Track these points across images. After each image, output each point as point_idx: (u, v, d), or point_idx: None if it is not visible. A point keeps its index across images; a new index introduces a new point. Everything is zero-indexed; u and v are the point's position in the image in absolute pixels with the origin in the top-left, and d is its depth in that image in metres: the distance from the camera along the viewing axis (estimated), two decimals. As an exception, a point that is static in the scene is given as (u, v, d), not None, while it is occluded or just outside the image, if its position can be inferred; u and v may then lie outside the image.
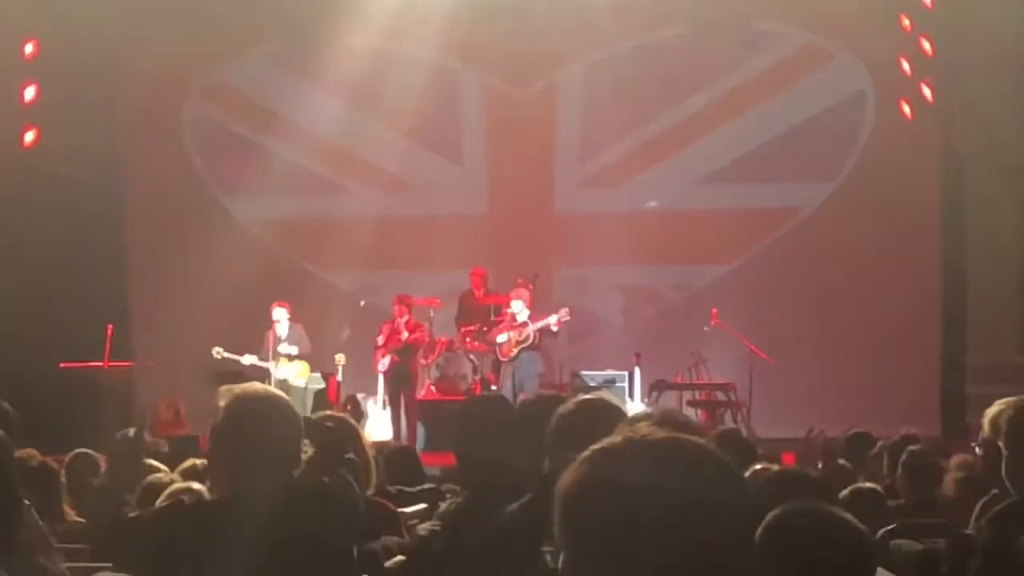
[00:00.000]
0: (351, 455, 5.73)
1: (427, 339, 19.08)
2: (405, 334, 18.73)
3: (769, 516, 3.60)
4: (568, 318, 18.53)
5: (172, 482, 7.09)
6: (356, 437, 5.94)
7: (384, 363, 18.76)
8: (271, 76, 21.41)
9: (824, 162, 21.05)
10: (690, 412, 17.47)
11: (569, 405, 4.45)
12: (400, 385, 18.77)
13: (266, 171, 21.35)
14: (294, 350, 18.75)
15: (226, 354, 18.66)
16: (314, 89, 21.22)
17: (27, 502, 4.66)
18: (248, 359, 18.64)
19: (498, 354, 18.82)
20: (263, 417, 4.78)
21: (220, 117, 21.45)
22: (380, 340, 18.83)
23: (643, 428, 2.45)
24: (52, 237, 20.38)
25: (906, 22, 17.80)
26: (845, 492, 7.13)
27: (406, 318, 18.83)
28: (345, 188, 21.84)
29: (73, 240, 20.63)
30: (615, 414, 4.27)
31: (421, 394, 19.33)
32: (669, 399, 18.79)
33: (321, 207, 21.78)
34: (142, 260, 21.91)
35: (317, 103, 21.28)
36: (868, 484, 7.58)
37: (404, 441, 17.38)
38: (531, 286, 19.34)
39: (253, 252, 21.38)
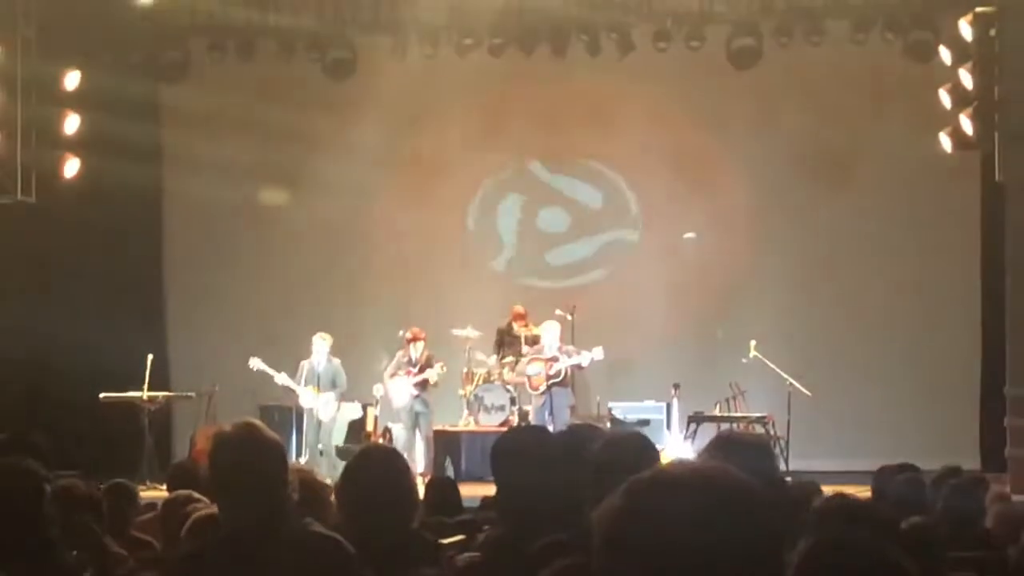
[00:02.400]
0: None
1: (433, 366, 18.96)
2: (416, 367, 18.79)
3: (803, 546, 3.60)
4: (601, 357, 18.49)
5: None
6: (405, 467, 5.94)
7: (401, 395, 18.76)
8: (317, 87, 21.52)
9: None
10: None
11: (611, 439, 4.49)
12: (419, 417, 18.80)
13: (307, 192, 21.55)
14: (331, 396, 18.60)
15: (262, 366, 18.66)
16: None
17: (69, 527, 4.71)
18: (282, 378, 18.61)
19: (528, 386, 18.87)
20: (240, 456, 4.83)
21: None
22: (392, 371, 18.93)
23: (685, 461, 2.47)
24: (92, 268, 20.53)
25: (946, 55, 17.75)
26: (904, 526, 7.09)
27: (421, 350, 18.86)
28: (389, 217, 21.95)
29: (112, 270, 20.77)
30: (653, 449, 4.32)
31: (442, 426, 19.38)
32: (707, 432, 18.74)
33: (364, 234, 21.89)
34: (181, 289, 22.03)
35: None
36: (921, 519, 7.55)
37: (421, 471, 17.41)
38: (569, 317, 19.38)
39: (293, 283, 21.48)
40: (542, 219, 22.12)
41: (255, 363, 18.67)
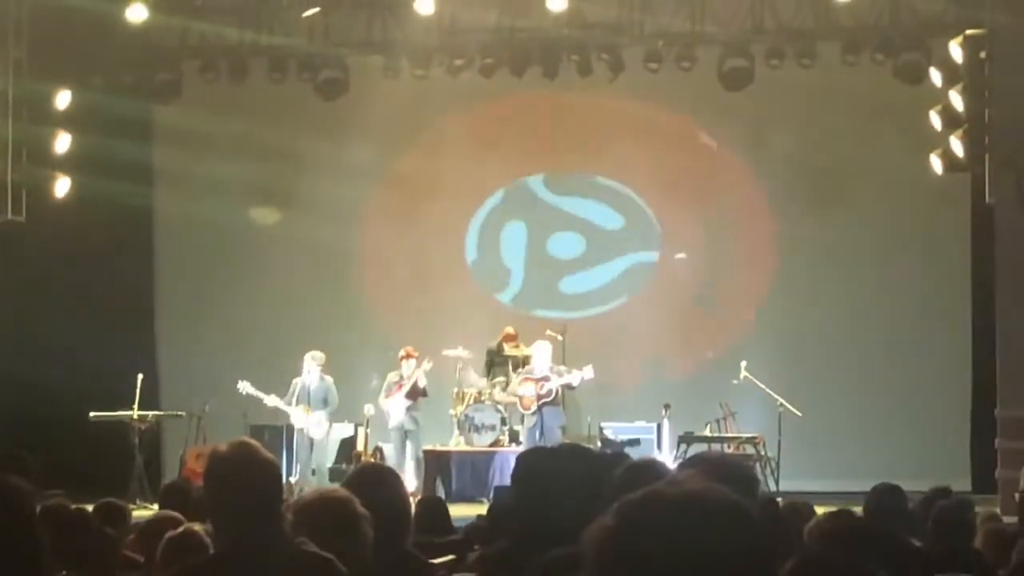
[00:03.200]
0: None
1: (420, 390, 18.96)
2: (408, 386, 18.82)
3: (789, 565, 3.60)
4: (591, 376, 18.50)
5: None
6: (401, 487, 5.93)
7: (396, 413, 18.77)
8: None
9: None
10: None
11: (632, 465, 4.53)
12: (409, 437, 18.81)
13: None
14: (322, 415, 18.58)
15: (251, 390, 18.64)
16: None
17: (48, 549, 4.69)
18: (272, 400, 18.59)
19: (519, 406, 18.89)
20: (236, 475, 4.85)
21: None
22: (385, 392, 18.95)
23: (677, 480, 2.46)
24: (82, 287, 20.51)
25: (937, 77, 17.81)
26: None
27: (412, 368, 18.89)
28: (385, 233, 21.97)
29: (103, 290, 20.75)
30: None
31: (432, 445, 19.38)
32: (696, 452, 18.75)
33: (358, 251, 21.91)
34: (172, 308, 22.02)
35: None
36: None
37: (412, 490, 17.38)
38: (560, 337, 19.39)
39: (285, 303, 21.47)
40: (551, 244, 22.08)
41: (244, 387, 18.64)
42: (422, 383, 18.86)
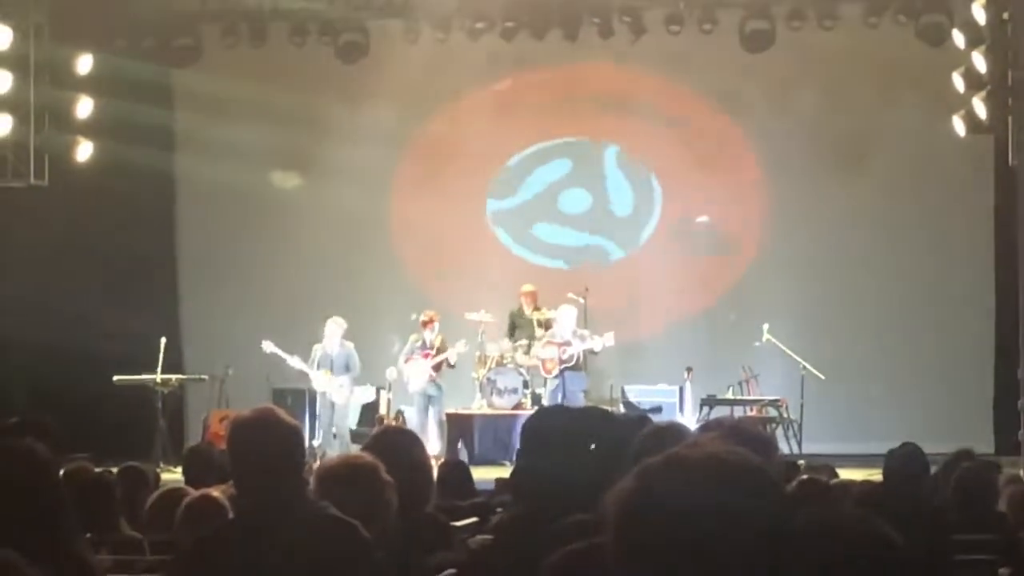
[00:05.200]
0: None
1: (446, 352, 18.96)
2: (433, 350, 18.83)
3: (799, 525, 3.59)
4: (612, 343, 18.54)
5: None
6: (422, 450, 5.95)
7: (418, 378, 18.78)
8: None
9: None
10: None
11: (654, 430, 4.52)
12: (431, 401, 18.83)
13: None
14: (345, 380, 18.60)
15: (274, 348, 18.67)
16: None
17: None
18: (295, 361, 18.61)
19: (541, 370, 18.92)
20: (258, 440, 4.91)
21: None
22: (407, 355, 18.96)
23: (699, 443, 2.46)
24: (105, 252, 20.55)
25: (959, 38, 17.70)
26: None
27: (436, 333, 18.90)
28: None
29: (125, 254, 20.79)
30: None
31: (455, 409, 19.41)
32: (719, 415, 18.74)
33: (379, 216, 21.91)
34: (194, 273, 22.03)
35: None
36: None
37: (435, 453, 17.43)
38: (581, 300, 19.37)
39: (307, 265, 21.46)
40: (563, 201, 22.04)
41: (267, 346, 18.70)
42: (452, 360, 18.87)
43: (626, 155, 21.88)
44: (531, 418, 5.27)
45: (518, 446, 5.51)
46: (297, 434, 5.04)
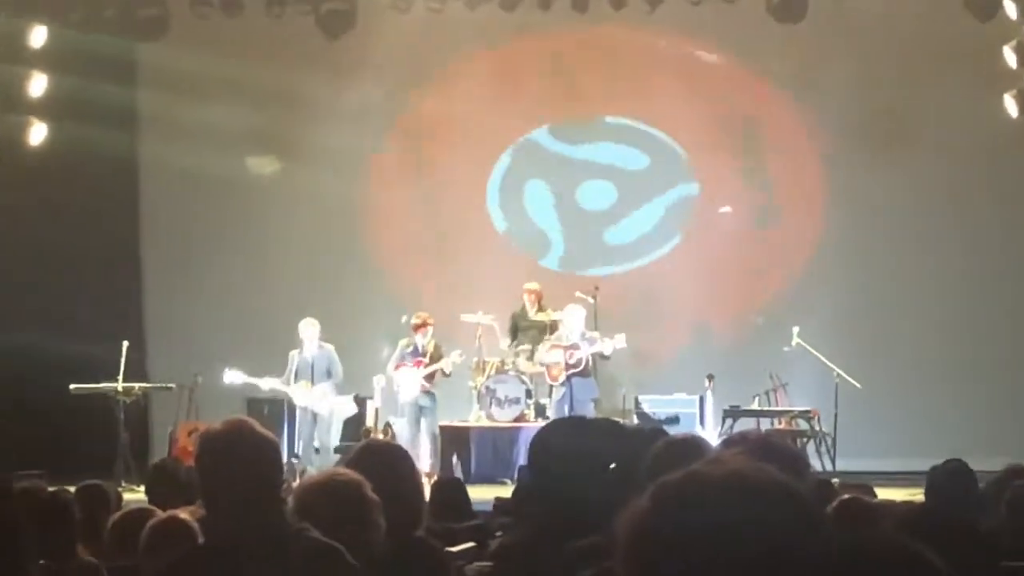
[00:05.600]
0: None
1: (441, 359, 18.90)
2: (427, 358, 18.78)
3: (834, 551, 3.59)
4: (624, 345, 18.48)
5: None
6: (412, 467, 5.95)
7: (409, 387, 18.74)
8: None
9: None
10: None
11: (669, 442, 4.51)
12: (424, 412, 18.79)
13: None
14: (327, 387, 18.56)
15: (242, 378, 18.60)
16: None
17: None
18: (268, 383, 18.58)
19: (547, 377, 18.86)
20: (228, 455, 4.91)
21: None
22: (396, 362, 18.92)
23: (721, 459, 2.46)
24: (59, 245, 20.52)
25: (1011, 9, 17.71)
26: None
27: (429, 338, 18.86)
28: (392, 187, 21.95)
29: (82, 248, 20.75)
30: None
31: (450, 421, 19.38)
32: (744, 428, 18.73)
33: (363, 204, 21.91)
34: (160, 269, 22.02)
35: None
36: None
37: (427, 470, 17.42)
38: (591, 300, 19.34)
39: (285, 263, 21.46)
40: (583, 195, 22.01)
41: (232, 376, 18.64)
42: (447, 370, 18.83)
43: (638, 137, 21.83)
44: (543, 430, 5.28)
45: (522, 462, 5.52)
46: (274, 449, 5.03)
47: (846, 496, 7.79)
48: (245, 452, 4.89)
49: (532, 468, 5.28)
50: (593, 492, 4.70)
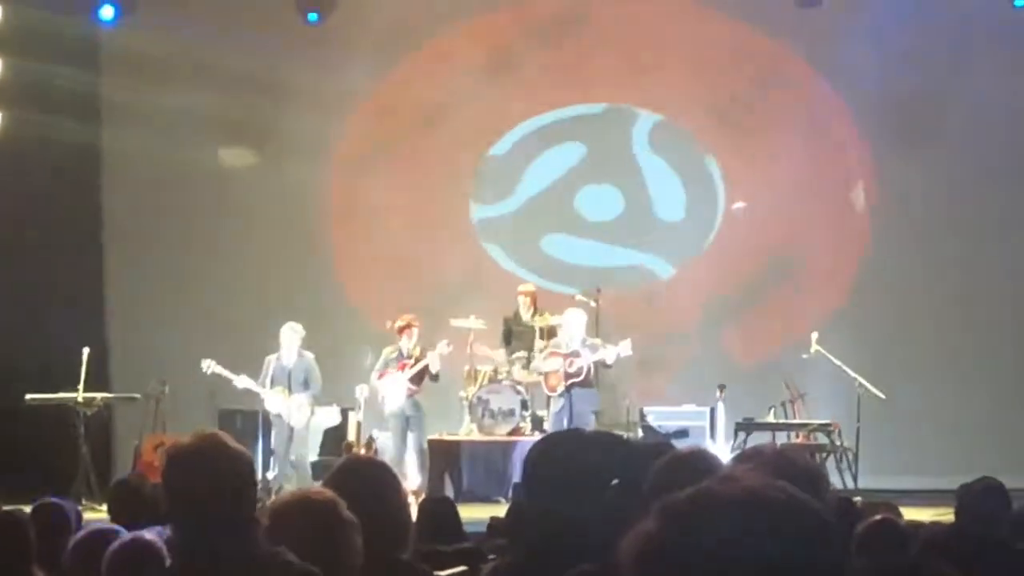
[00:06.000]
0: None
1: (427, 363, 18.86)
2: (412, 361, 18.76)
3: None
4: (630, 353, 18.42)
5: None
6: (397, 485, 5.93)
7: (395, 396, 18.73)
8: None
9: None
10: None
11: (675, 457, 4.50)
12: (411, 424, 18.78)
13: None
14: (304, 398, 18.52)
15: (217, 368, 18.57)
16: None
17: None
18: (243, 381, 18.51)
19: (544, 387, 18.83)
20: (198, 471, 4.91)
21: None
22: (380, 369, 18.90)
23: (734, 476, 2.45)
24: (15, 243, 20.51)
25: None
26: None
27: (415, 342, 18.85)
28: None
29: (40, 246, 20.74)
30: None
31: (439, 434, 19.37)
32: (758, 442, 18.73)
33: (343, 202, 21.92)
34: (124, 269, 22.00)
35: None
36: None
37: (414, 488, 17.41)
38: (593, 303, 19.33)
39: (259, 263, 21.46)
40: (583, 202, 22.02)
41: (209, 365, 18.61)
42: (435, 368, 18.78)
43: (645, 128, 21.86)
44: (538, 445, 5.27)
45: (517, 479, 5.52)
46: (247, 465, 5.03)
47: (877, 517, 7.79)
48: (216, 468, 4.89)
49: (526, 486, 5.27)
50: (594, 512, 4.69)
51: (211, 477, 4.88)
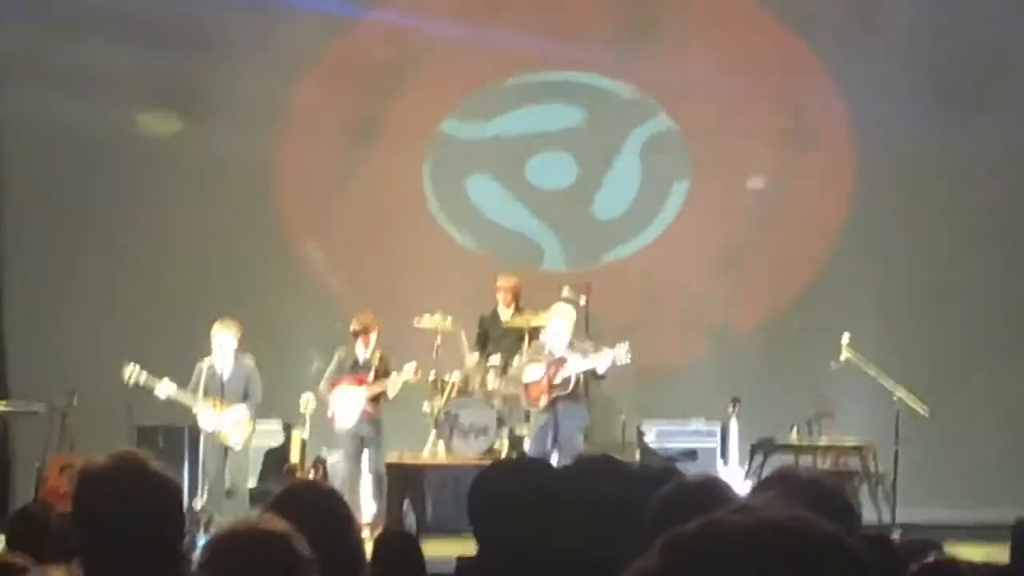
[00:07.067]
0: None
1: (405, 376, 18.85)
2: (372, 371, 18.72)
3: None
4: (627, 361, 18.22)
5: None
6: (348, 516, 5.95)
7: (348, 412, 18.69)
8: None
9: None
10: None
11: (680, 486, 4.53)
12: (366, 444, 18.75)
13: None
14: (243, 411, 18.42)
15: (140, 375, 18.41)
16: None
17: None
18: (166, 388, 18.34)
19: (524, 400, 18.67)
20: (115, 498, 4.91)
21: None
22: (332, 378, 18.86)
23: (748, 507, 2.47)
24: None
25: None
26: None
27: (372, 348, 18.80)
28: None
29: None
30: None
31: (399, 455, 19.36)
32: (777, 465, 18.78)
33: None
34: (22, 259, 21.97)
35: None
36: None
37: (369, 520, 17.42)
38: (582, 299, 19.29)
39: (186, 250, 21.44)
40: (534, 170, 22.08)
41: (131, 372, 18.56)
42: (392, 393, 18.72)
43: (644, 94, 21.94)
44: (479, 477, 5.32)
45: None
46: (176, 491, 5.03)
47: (930, 559, 7.82)
48: (137, 494, 4.89)
49: (498, 517, 5.31)
50: (578, 547, 4.74)
51: (132, 505, 4.87)
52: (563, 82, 22.07)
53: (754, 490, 4.85)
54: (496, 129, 22.16)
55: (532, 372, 18.48)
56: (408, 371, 18.70)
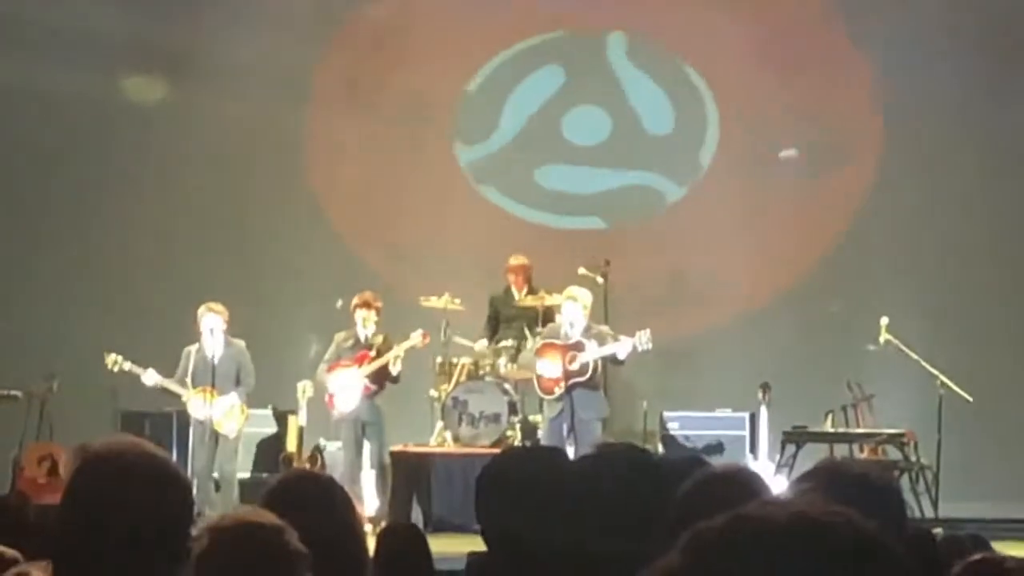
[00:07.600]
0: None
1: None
2: (374, 352, 18.67)
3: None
4: (648, 347, 18.05)
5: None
6: (350, 510, 5.96)
7: (349, 396, 18.67)
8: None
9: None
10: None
11: (706, 478, 4.54)
12: (367, 432, 18.72)
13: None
14: (234, 398, 18.37)
15: (124, 363, 18.40)
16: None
17: None
18: (152, 377, 18.31)
19: (538, 387, 18.57)
20: (114, 489, 4.79)
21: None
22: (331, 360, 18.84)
23: (779, 501, 2.47)
24: None
25: None
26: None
27: (373, 326, 18.74)
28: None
29: None
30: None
31: (404, 445, 19.36)
32: (812, 457, 18.75)
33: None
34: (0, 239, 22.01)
35: None
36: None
37: (372, 514, 17.43)
38: (600, 280, 19.26)
39: (174, 225, 21.44)
40: (570, 124, 22.12)
41: (116, 361, 18.56)
42: (395, 369, 18.67)
43: (643, 43, 21.98)
44: (488, 466, 5.33)
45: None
46: (180, 481, 4.97)
47: (977, 557, 7.82)
48: (140, 483, 4.83)
49: (488, 517, 5.32)
50: (597, 544, 4.75)
51: (132, 495, 4.82)
52: (592, 40, 22.16)
53: (795, 483, 4.84)
54: (521, 94, 22.25)
55: (546, 360, 18.25)
56: (416, 337, 18.60)
